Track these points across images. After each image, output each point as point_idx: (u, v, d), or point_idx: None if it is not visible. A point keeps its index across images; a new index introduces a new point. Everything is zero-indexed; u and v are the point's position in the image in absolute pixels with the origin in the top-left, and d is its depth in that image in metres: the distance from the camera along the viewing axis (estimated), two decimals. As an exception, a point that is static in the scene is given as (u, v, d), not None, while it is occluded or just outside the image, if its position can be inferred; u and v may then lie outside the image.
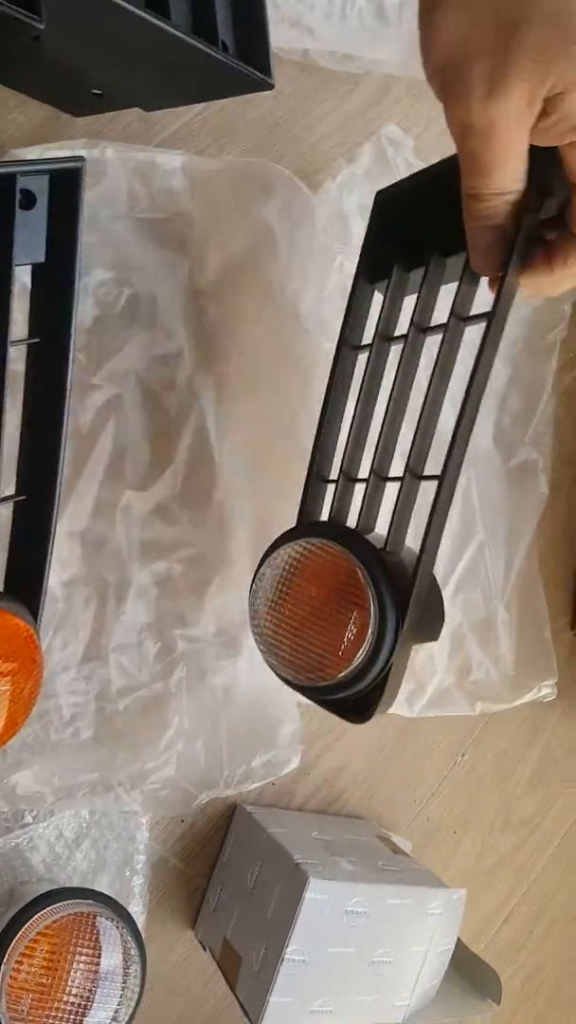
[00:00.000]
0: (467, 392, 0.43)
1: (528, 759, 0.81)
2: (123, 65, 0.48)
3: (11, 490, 0.45)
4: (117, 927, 0.52)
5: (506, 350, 0.73)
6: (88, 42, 0.45)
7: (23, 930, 0.48)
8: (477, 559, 0.70)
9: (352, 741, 0.70)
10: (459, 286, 0.44)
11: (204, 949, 0.63)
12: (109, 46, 0.46)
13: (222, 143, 0.60)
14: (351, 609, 0.45)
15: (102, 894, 0.53)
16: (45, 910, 0.50)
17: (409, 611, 0.44)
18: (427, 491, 0.45)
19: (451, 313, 0.45)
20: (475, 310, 0.45)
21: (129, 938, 0.52)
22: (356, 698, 0.47)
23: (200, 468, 0.60)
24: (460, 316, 0.45)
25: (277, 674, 0.51)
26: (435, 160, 0.46)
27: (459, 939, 0.65)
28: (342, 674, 0.46)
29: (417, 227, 0.46)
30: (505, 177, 0.34)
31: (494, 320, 0.42)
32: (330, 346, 0.58)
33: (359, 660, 0.45)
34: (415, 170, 0.62)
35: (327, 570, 0.48)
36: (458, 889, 0.63)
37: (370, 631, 0.44)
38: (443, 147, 0.70)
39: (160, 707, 0.58)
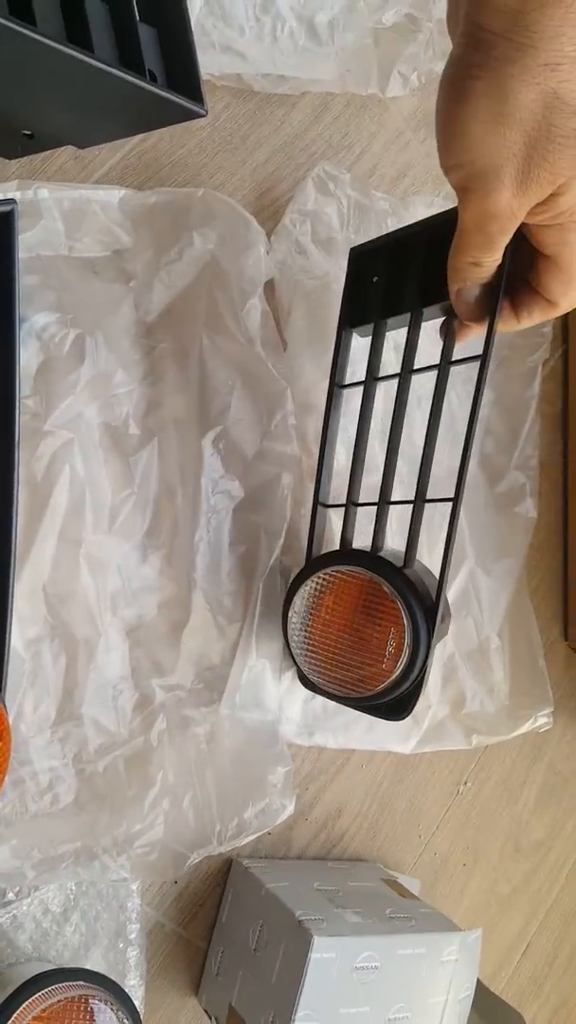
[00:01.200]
0: (469, 423, 0.52)
1: (533, 780, 0.78)
2: (51, 103, 0.46)
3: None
4: (112, 1009, 0.48)
5: (488, 374, 0.71)
6: (12, 81, 0.44)
7: (13, 1019, 0.45)
8: (467, 586, 0.68)
9: (348, 780, 0.67)
10: (444, 337, 0.52)
11: (210, 1018, 0.60)
12: (35, 84, 0.44)
13: (160, 176, 0.58)
14: (388, 625, 0.53)
15: (95, 973, 0.49)
16: (36, 996, 0.47)
17: (437, 618, 0.51)
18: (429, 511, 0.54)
19: (441, 358, 0.53)
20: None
21: (126, 1018, 0.49)
22: (395, 699, 0.53)
23: (163, 506, 0.58)
24: (448, 360, 0.53)
25: (323, 691, 0.56)
26: (375, 182, 0.56)
27: (478, 981, 0.62)
28: (386, 683, 0.52)
29: (394, 280, 0.54)
30: (501, 250, 0.42)
31: (486, 361, 0.50)
32: (285, 369, 0.57)
33: (400, 669, 0.52)
34: (352, 201, 0.62)
35: (358, 592, 0.55)
36: (473, 930, 0.60)
37: (406, 642, 0.51)
38: (388, 161, 0.69)
39: (142, 763, 0.55)
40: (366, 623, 0.54)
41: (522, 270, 0.46)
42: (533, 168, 0.37)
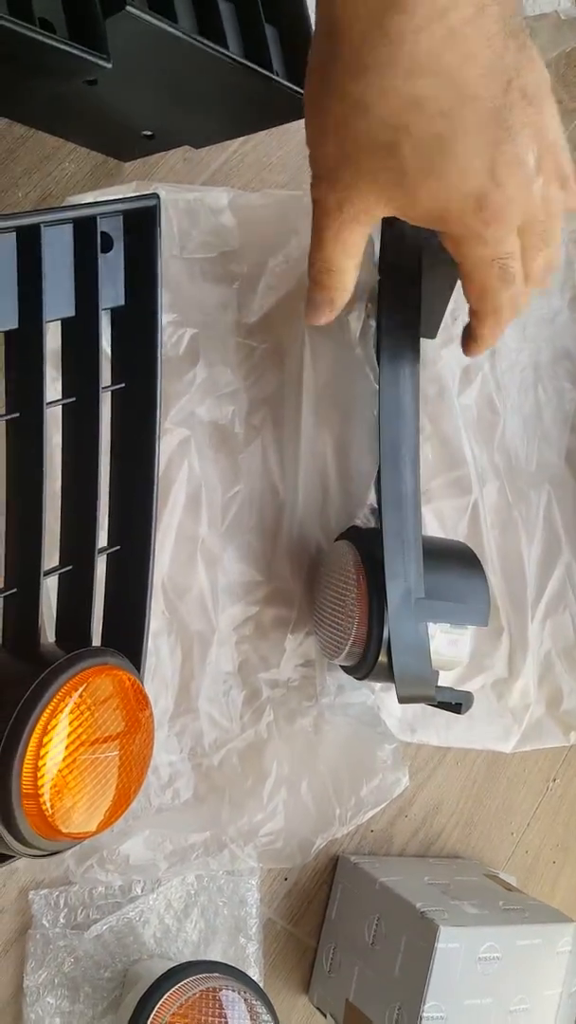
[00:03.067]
0: None
1: (619, 777, 0.77)
2: (178, 102, 0.48)
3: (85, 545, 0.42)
4: (245, 998, 0.49)
5: (574, 370, 0.72)
6: (145, 80, 0.45)
7: (155, 1012, 0.45)
8: (564, 582, 0.68)
9: (444, 778, 0.67)
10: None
11: (324, 1015, 0.59)
12: (167, 83, 0.45)
13: (262, 177, 0.59)
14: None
15: (227, 965, 0.50)
16: (174, 990, 0.47)
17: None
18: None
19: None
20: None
21: (259, 1007, 0.49)
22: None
23: (267, 503, 0.58)
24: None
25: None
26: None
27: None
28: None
29: None
30: (334, 254, 0.41)
31: None
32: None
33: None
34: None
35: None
36: (582, 921, 0.60)
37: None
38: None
39: (256, 755, 0.55)
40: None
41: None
42: (351, 180, 0.37)
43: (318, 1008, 0.60)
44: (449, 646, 0.55)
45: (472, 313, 0.44)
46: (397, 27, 0.32)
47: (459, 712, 0.55)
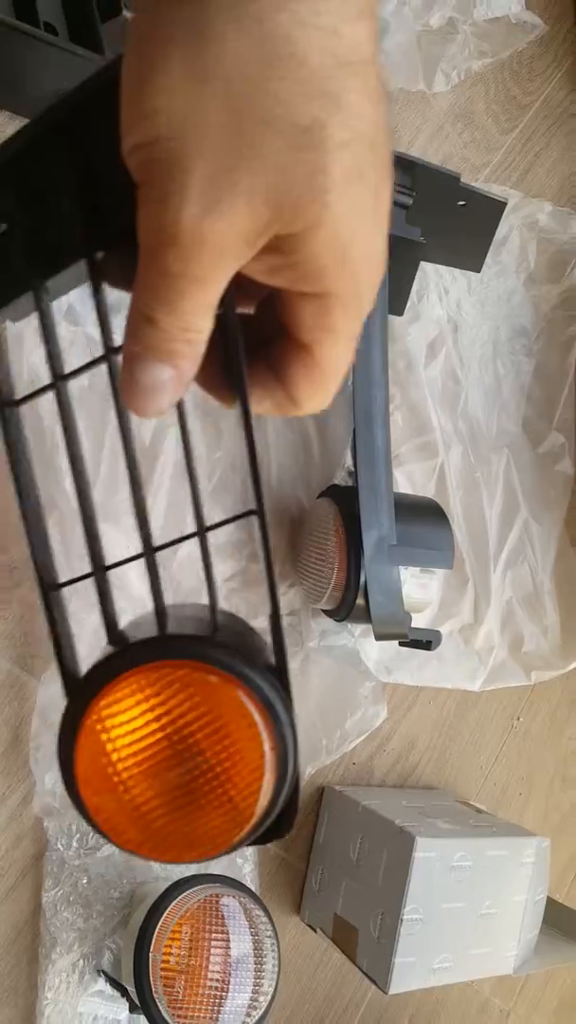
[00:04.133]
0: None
1: (575, 717, 0.85)
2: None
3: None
4: (240, 901, 0.54)
5: (530, 344, 0.78)
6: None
7: (166, 915, 0.50)
8: (523, 536, 0.74)
9: (418, 716, 0.74)
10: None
11: (314, 930, 0.65)
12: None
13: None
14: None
15: (225, 876, 0.55)
16: (178, 899, 0.52)
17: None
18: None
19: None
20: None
21: (257, 910, 0.54)
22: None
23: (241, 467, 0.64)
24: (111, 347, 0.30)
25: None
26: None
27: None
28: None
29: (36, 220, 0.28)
30: (196, 313, 0.24)
31: None
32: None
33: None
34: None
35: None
36: (544, 838, 0.67)
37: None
38: (432, 151, 0.75)
39: (249, 697, 0.61)
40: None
41: (260, 343, 0.28)
42: (239, 170, 0.22)
43: (308, 925, 0.66)
44: (419, 589, 0.61)
45: (290, 404, 0.28)
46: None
47: (429, 649, 0.61)
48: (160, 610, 0.30)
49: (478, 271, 0.72)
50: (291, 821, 0.32)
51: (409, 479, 0.70)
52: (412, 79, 0.70)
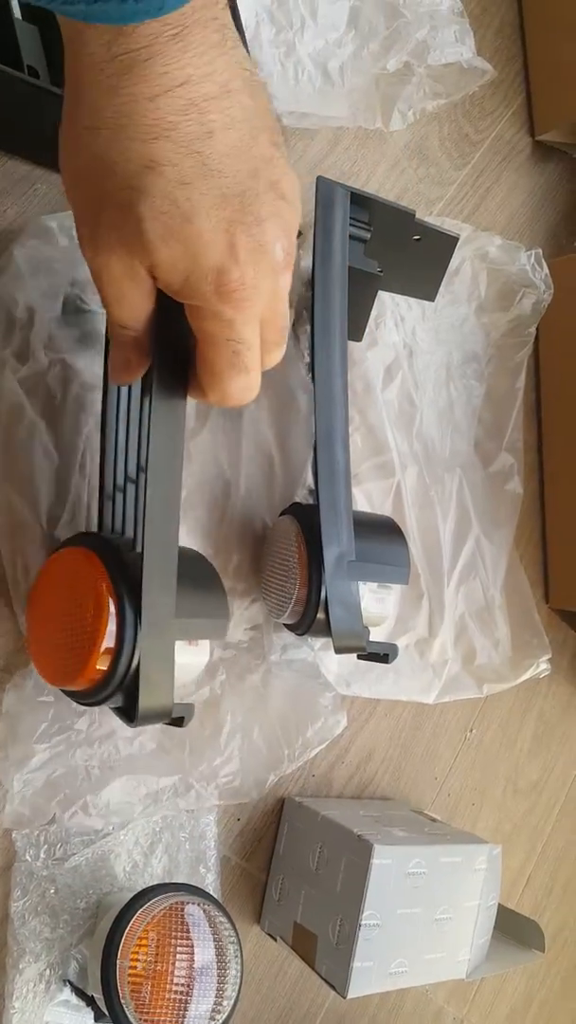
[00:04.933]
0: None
1: (527, 726, 0.88)
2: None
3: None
4: (203, 908, 0.55)
5: (481, 369, 0.82)
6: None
7: (133, 921, 0.52)
8: (475, 552, 0.77)
9: (375, 728, 0.76)
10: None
11: (274, 939, 0.67)
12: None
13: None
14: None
15: (189, 884, 0.56)
16: (143, 908, 0.54)
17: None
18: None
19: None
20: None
21: (220, 917, 0.56)
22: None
23: (215, 484, 0.66)
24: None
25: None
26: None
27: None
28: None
29: None
30: (123, 316, 0.37)
31: None
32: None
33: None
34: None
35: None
36: (496, 845, 0.69)
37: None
38: (389, 185, 0.79)
39: (212, 709, 0.62)
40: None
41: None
42: (100, 232, 0.34)
43: (268, 934, 0.68)
44: (377, 603, 0.63)
45: (197, 385, 0.40)
46: (129, 92, 0.31)
47: (387, 662, 0.63)
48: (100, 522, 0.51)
49: (432, 300, 0.75)
50: (133, 711, 0.46)
51: (367, 497, 0.73)
52: (370, 118, 0.74)
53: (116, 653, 0.46)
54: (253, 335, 0.37)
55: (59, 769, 0.54)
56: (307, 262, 0.69)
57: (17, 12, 0.46)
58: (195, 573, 0.52)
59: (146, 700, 0.46)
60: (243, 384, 0.39)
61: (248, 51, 0.47)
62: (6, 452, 0.54)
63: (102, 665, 0.46)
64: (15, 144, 0.55)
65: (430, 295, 0.74)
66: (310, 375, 0.64)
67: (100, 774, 0.56)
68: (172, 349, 0.40)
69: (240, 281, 0.35)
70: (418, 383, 0.79)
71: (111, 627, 0.45)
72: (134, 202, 0.33)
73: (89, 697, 0.48)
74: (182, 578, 0.47)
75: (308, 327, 0.68)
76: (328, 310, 0.60)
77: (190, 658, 0.52)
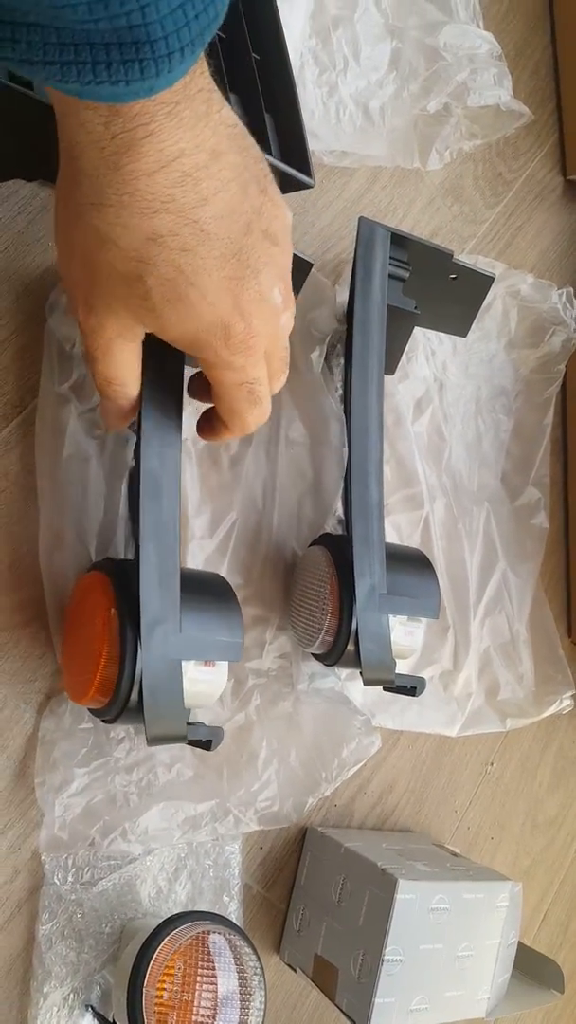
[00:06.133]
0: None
1: (546, 762, 0.88)
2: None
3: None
4: (228, 938, 0.55)
5: (509, 404, 0.83)
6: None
7: (160, 950, 0.52)
8: (501, 586, 0.78)
9: (398, 759, 0.76)
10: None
11: (294, 970, 0.67)
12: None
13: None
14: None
15: (213, 913, 0.56)
16: (169, 937, 0.54)
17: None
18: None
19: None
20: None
21: (244, 947, 0.56)
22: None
23: (250, 516, 0.67)
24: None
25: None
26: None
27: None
28: None
29: None
30: (110, 371, 0.42)
31: None
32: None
33: None
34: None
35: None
36: (517, 883, 0.69)
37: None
38: (423, 223, 0.80)
39: (246, 735, 0.63)
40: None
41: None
42: (97, 296, 0.37)
43: (288, 964, 0.67)
44: (406, 636, 0.64)
45: (221, 423, 0.45)
46: (129, 169, 0.33)
47: (414, 695, 0.63)
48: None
49: (464, 336, 0.76)
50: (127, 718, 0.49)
51: (396, 528, 0.74)
52: (408, 158, 0.75)
53: (119, 671, 0.48)
54: (262, 371, 0.41)
55: (98, 795, 0.54)
56: (343, 297, 0.70)
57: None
58: (208, 593, 0.53)
59: (153, 718, 0.47)
60: (259, 413, 0.43)
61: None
62: (57, 480, 0.55)
63: (106, 682, 0.48)
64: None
65: (462, 331, 0.75)
66: (343, 407, 0.65)
67: (139, 800, 0.57)
68: (160, 394, 0.45)
69: (246, 332, 0.38)
70: (448, 416, 0.80)
71: (113, 645, 0.48)
72: (141, 273, 0.35)
73: (103, 714, 0.51)
74: (193, 598, 0.49)
75: (342, 360, 0.69)
76: (366, 348, 0.61)
77: (206, 678, 0.52)
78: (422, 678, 0.64)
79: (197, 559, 0.62)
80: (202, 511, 0.63)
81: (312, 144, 0.70)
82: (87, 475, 0.56)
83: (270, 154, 0.54)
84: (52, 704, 0.57)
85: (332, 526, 0.70)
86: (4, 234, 0.56)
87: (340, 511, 0.68)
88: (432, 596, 0.63)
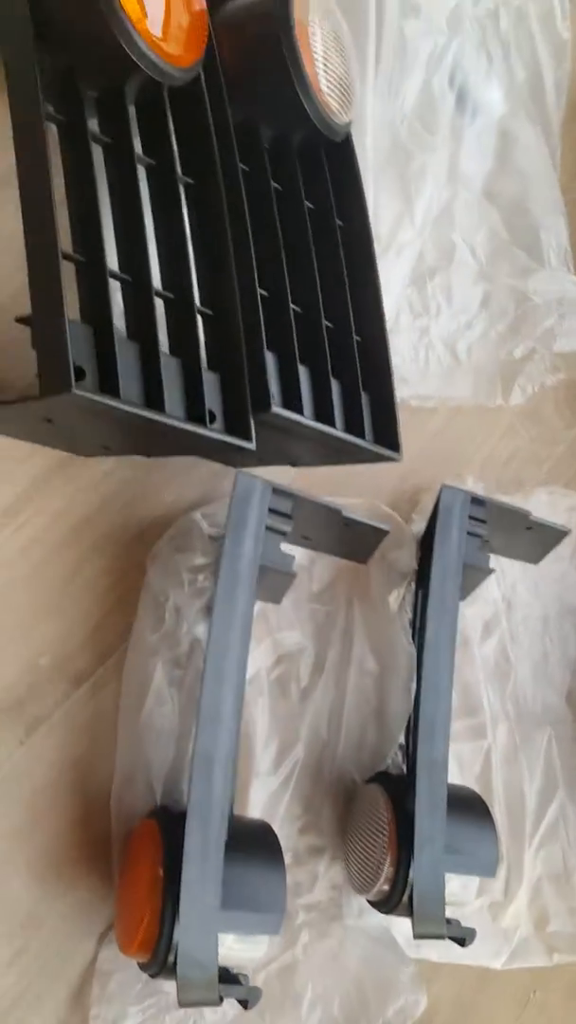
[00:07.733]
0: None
1: (594, 992, 0.85)
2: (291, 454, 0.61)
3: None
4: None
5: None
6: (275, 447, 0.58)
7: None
8: (559, 817, 0.78)
9: (440, 990, 0.75)
10: None
11: None
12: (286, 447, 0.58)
13: (333, 492, 0.71)
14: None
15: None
16: None
17: None
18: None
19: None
20: None
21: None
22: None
23: (313, 744, 0.68)
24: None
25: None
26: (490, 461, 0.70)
27: None
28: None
29: None
30: None
31: None
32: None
33: None
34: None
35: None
36: None
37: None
38: (500, 448, 0.83)
39: (290, 976, 0.63)
40: None
41: None
42: None
43: None
44: (461, 889, 0.64)
45: None
46: None
47: (463, 945, 0.63)
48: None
49: (536, 563, 0.78)
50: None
51: (457, 759, 0.74)
52: (491, 395, 0.79)
53: (158, 935, 0.50)
54: None
55: (148, 1033, 0.56)
56: (419, 526, 0.73)
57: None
58: (255, 858, 0.54)
59: (185, 985, 0.49)
60: None
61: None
62: (136, 725, 0.58)
63: (147, 942, 0.50)
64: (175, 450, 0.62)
65: (534, 560, 0.77)
66: (414, 644, 0.67)
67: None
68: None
69: None
70: (515, 636, 0.81)
71: (155, 909, 0.50)
72: None
73: (145, 969, 0.53)
74: (238, 863, 0.51)
75: (413, 586, 0.71)
76: (442, 610, 0.63)
77: (243, 947, 0.53)
78: (473, 929, 0.64)
79: (259, 795, 0.64)
80: (269, 745, 0.66)
81: (400, 390, 0.74)
82: (163, 722, 0.59)
83: (363, 438, 0.58)
84: (112, 934, 0.59)
85: (392, 756, 0.71)
86: (126, 489, 0.61)
87: (402, 739, 0.69)
88: (491, 852, 0.64)
